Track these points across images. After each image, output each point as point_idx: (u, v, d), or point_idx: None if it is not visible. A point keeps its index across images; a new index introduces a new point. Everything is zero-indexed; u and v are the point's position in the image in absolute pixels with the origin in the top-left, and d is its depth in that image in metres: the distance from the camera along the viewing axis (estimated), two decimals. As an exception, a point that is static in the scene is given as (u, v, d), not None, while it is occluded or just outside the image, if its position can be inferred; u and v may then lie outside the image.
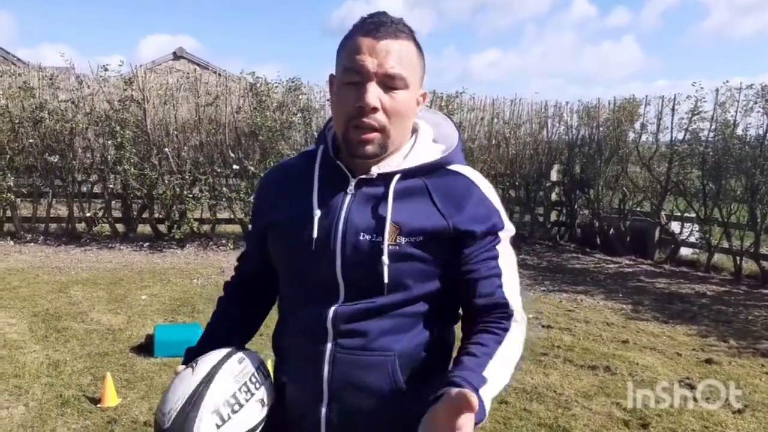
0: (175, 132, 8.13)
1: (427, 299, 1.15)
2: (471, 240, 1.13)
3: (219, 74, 9.44)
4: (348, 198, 1.14)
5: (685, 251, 8.31)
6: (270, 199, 1.25)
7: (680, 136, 8.09)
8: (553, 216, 10.06)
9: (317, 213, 1.13)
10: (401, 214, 1.12)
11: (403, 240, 1.10)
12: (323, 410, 1.15)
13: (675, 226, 8.37)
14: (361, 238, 1.11)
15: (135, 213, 8.58)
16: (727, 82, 7.49)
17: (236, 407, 1.09)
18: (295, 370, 1.19)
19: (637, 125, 8.78)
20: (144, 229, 8.64)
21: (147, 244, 8.08)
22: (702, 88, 7.62)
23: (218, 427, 1.05)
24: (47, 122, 7.81)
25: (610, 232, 9.07)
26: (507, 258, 1.17)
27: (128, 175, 7.83)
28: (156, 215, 8.48)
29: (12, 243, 7.90)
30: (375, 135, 1.10)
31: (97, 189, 8.49)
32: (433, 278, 1.14)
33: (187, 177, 8.00)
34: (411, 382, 1.14)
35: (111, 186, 8.41)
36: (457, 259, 1.13)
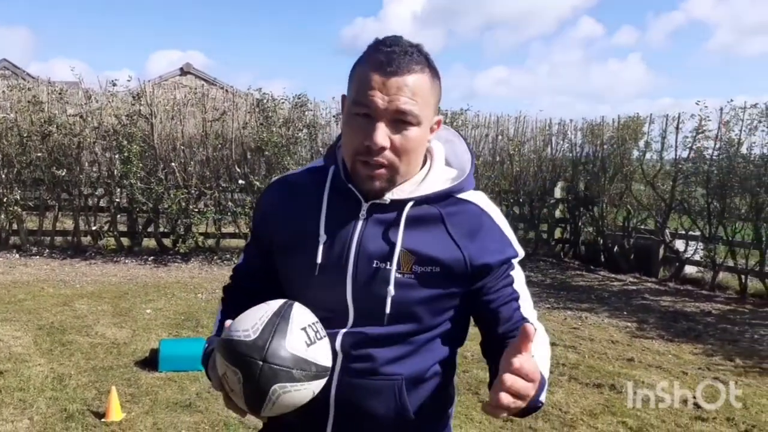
0: (182, 147, 8.19)
1: (438, 327, 1.15)
2: (487, 271, 1.13)
3: (226, 90, 9.52)
4: (360, 223, 1.12)
5: (689, 269, 8.28)
6: (274, 216, 1.21)
7: (684, 154, 8.12)
8: (557, 233, 10.06)
9: (323, 238, 1.12)
10: (415, 242, 1.11)
11: (418, 269, 1.09)
12: (329, 428, 1.15)
13: (679, 244, 8.36)
14: (374, 265, 1.10)
15: (140, 227, 8.62)
16: (732, 101, 7.53)
17: (318, 335, 1.05)
18: None
19: (642, 143, 8.80)
20: (149, 243, 8.67)
21: (152, 258, 8.10)
22: (706, 106, 7.67)
23: (307, 345, 1.01)
24: (55, 136, 7.88)
25: (614, 249, 9.06)
26: (520, 280, 1.18)
27: (134, 189, 7.88)
28: (161, 229, 8.52)
29: (17, 256, 7.93)
30: (382, 172, 1.08)
31: (103, 203, 8.55)
32: (446, 308, 1.15)
33: (192, 191, 8.04)
34: (416, 404, 1.15)
35: (117, 200, 8.46)
36: (474, 291, 1.14)
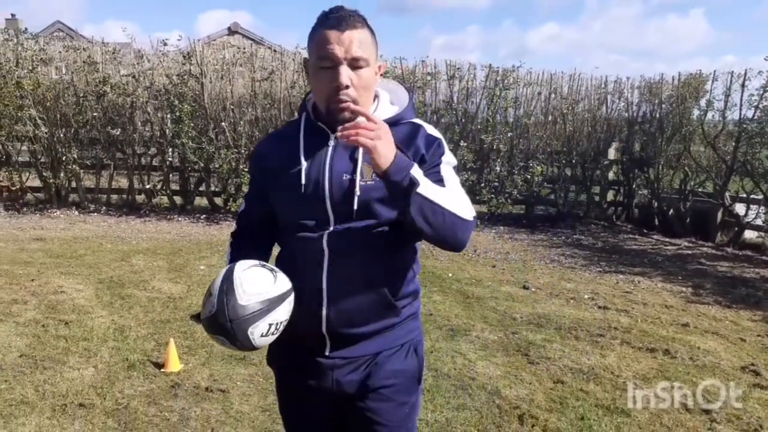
0: (231, 106, 8.26)
1: (396, 223, 1.45)
2: (420, 166, 1.40)
3: (274, 50, 9.48)
4: (330, 149, 1.47)
5: (749, 234, 7.97)
6: (265, 161, 1.56)
7: (750, 113, 7.72)
8: (610, 196, 9.80)
9: (304, 164, 1.46)
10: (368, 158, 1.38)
11: (376, 177, 1.38)
12: (324, 311, 1.46)
13: (739, 208, 8.03)
14: (343, 178, 1.44)
15: (192, 186, 8.80)
16: (803, 56, 7.07)
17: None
18: (298, 281, 1.45)
19: (703, 102, 8.41)
20: (201, 201, 8.86)
21: (204, 216, 8.29)
22: (776, 62, 7.21)
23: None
24: (109, 96, 8.06)
25: (670, 213, 8.77)
26: (451, 179, 1.46)
27: (186, 148, 8.02)
28: (213, 188, 8.67)
29: (77, 213, 8.24)
30: (349, 104, 1.39)
31: (156, 162, 8.75)
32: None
33: (242, 151, 8.13)
34: (390, 286, 1.50)
35: (169, 159, 8.64)
36: None
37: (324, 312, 1.46)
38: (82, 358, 3.57)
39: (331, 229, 1.44)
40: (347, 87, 1.38)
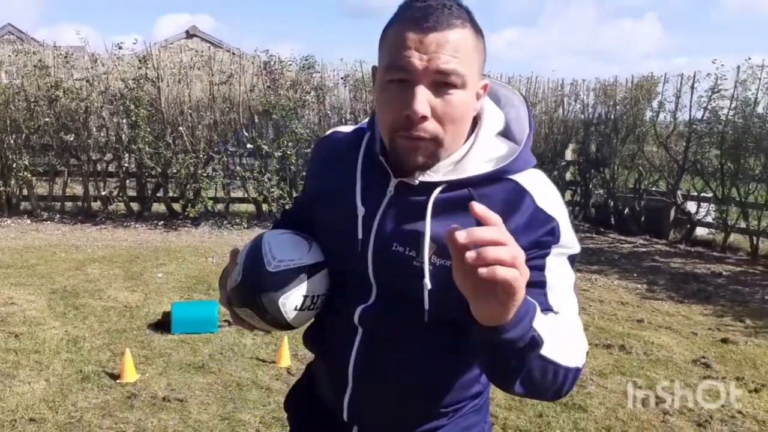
0: (189, 111, 8.13)
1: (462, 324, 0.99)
2: None
3: (232, 53, 9.40)
4: (385, 200, 1.03)
5: (700, 231, 8.23)
6: (319, 168, 1.18)
7: (699, 114, 7.98)
8: (568, 195, 9.99)
9: (361, 211, 1.04)
10: (438, 230, 0.97)
11: (438, 261, 0.98)
12: (346, 398, 1.12)
13: (691, 206, 8.29)
14: (393, 248, 1.01)
15: (149, 192, 8.63)
16: (749, 59, 7.35)
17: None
18: (323, 354, 1.19)
19: (655, 104, 8.65)
20: (158, 207, 8.70)
21: (162, 222, 8.14)
22: (723, 65, 7.48)
23: (297, 309, 1.08)
24: (62, 101, 7.84)
25: (625, 211, 9.00)
26: (558, 272, 0.97)
27: (143, 153, 7.86)
28: (170, 194, 8.53)
29: (29, 221, 7.99)
30: (425, 144, 0.95)
31: (111, 168, 8.55)
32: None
33: (201, 156, 8.02)
34: (437, 405, 1.10)
35: (126, 165, 8.45)
36: None
37: (346, 402, 1.11)
38: (33, 371, 3.46)
39: (371, 301, 1.06)
40: (424, 119, 0.93)
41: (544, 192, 1.00)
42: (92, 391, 3.25)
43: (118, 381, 3.35)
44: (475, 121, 1.03)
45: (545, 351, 0.84)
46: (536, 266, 0.94)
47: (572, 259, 1.01)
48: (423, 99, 0.91)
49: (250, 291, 1.07)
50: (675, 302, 5.36)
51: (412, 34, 0.91)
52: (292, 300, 1.06)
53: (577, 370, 0.92)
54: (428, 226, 0.98)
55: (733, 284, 6.08)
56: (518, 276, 0.72)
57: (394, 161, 1.01)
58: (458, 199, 0.99)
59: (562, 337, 0.89)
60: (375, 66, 1.02)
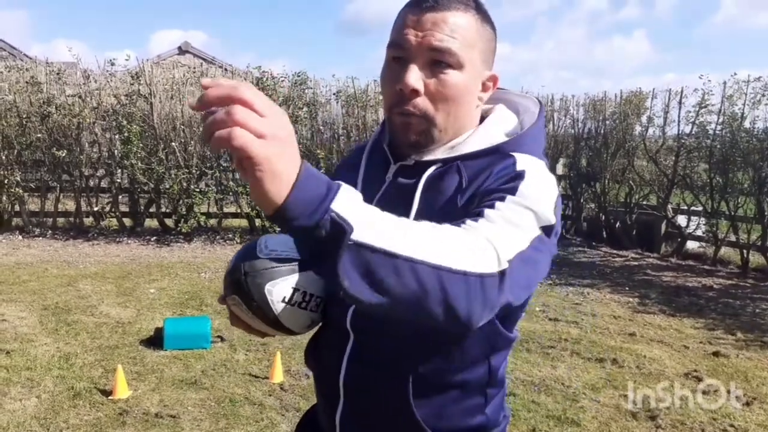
0: (182, 126, 8.15)
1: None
2: (470, 203, 0.92)
3: (225, 69, 9.45)
4: (384, 187, 1.02)
5: (691, 245, 8.29)
6: (338, 174, 1.15)
7: (687, 129, 8.08)
8: (559, 210, 10.04)
9: None
10: (429, 209, 0.95)
11: None
12: (338, 416, 1.07)
13: (681, 220, 8.36)
14: None
15: (142, 207, 8.62)
16: (735, 74, 7.48)
17: (309, 300, 1.06)
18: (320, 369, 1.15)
19: (644, 119, 8.75)
20: (151, 223, 8.68)
21: (154, 238, 8.12)
22: (710, 81, 7.60)
23: (285, 301, 1.03)
24: (54, 117, 7.85)
25: (617, 225, 9.05)
26: (507, 216, 0.84)
27: (135, 169, 7.86)
28: (163, 209, 8.52)
29: (20, 237, 7.95)
30: (417, 121, 0.95)
31: (104, 183, 8.55)
32: None
33: (194, 171, 8.03)
34: (431, 412, 1.02)
35: (118, 180, 8.45)
36: None
37: (338, 418, 1.06)
38: (24, 388, 3.44)
39: None
40: (415, 93, 0.93)
41: (533, 160, 0.95)
42: (84, 407, 3.23)
43: (110, 397, 3.33)
44: (484, 115, 1.03)
45: (392, 246, 0.68)
46: (484, 205, 0.86)
47: (547, 230, 0.90)
48: (414, 74, 0.92)
49: (236, 273, 1.04)
50: (667, 315, 5.39)
51: (412, 15, 0.94)
52: (279, 289, 1.01)
53: (466, 275, 0.72)
54: (416, 204, 0.96)
55: (724, 297, 6.11)
56: (264, 144, 0.63)
57: (394, 144, 1.02)
58: (446, 172, 0.97)
59: (441, 236, 0.74)
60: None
